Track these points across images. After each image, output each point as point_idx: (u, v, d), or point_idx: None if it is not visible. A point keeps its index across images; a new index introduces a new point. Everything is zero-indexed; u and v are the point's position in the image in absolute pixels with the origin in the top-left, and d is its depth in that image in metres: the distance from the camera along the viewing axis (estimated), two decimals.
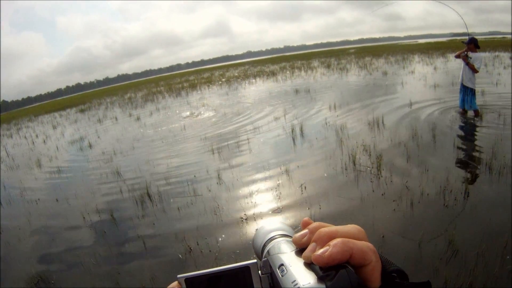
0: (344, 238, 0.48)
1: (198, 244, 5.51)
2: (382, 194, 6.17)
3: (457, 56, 10.04)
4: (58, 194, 9.28)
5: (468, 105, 10.23)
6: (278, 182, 7.45)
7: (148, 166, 10.34)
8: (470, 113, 10.41)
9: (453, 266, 4.04)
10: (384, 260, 0.51)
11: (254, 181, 7.79)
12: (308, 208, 6.06)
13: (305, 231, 0.54)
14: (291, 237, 0.61)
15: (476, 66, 9.59)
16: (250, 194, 7.11)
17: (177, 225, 6.33)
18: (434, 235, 4.71)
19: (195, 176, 8.68)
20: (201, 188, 7.82)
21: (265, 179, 7.82)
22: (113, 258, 5.67)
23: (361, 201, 6.07)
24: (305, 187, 6.98)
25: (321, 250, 0.47)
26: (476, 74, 9.82)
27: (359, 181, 6.92)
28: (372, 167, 7.37)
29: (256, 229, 0.73)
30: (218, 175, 8.32)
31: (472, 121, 9.94)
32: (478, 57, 9.62)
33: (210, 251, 5.30)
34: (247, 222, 5.97)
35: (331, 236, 0.49)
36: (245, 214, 6.24)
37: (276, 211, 6.24)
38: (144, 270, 5.10)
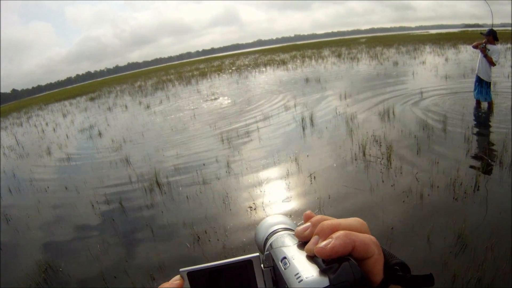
0: (346, 230, 0.48)
1: (206, 233, 5.54)
2: (392, 185, 6.16)
3: (475, 47, 9.86)
4: (67, 182, 9.35)
5: (483, 97, 10.14)
6: (287, 172, 7.45)
7: (158, 154, 10.39)
8: (484, 105, 10.33)
9: (462, 260, 4.02)
10: (386, 253, 0.51)
11: (263, 170, 7.80)
12: (317, 198, 6.05)
13: (307, 224, 0.54)
14: (294, 230, 0.61)
15: (494, 59, 9.45)
16: (259, 183, 7.12)
17: (186, 214, 6.35)
18: (443, 228, 4.70)
19: (204, 164, 8.70)
20: (210, 177, 7.83)
21: (274, 168, 7.83)
22: (122, 246, 5.72)
23: (370, 192, 6.05)
24: (314, 177, 6.97)
25: (324, 243, 0.47)
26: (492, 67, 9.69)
27: (368, 171, 6.90)
28: (382, 158, 7.35)
29: (259, 223, 0.72)
30: (228, 163, 8.34)
31: (484, 113, 9.88)
32: (496, 50, 9.48)
33: (218, 240, 5.31)
34: (255, 211, 5.98)
35: (333, 229, 0.49)
36: (254, 203, 6.26)
37: (285, 200, 6.24)
38: (152, 259, 5.13)
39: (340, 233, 0.47)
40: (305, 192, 6.45)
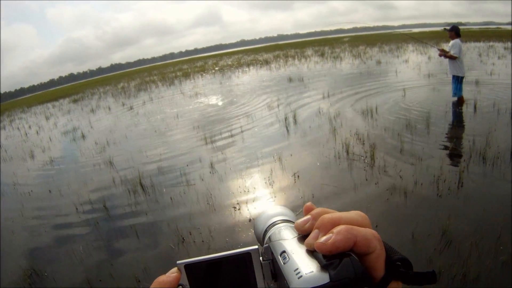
0: (347, 225, 0.48)
1: (190, 234, 5.51)
2: (376, 183, 6.18)
3: (445, 56, 10.05)
4: (51, 185, 9.26)
5: (453, 92, 10.34)
6: (271, 171, 7.43)
7: (141, 156, 10.32)
8: (467, 102, 10.42)
9: (447, 257, 4.05)
10: (388, 248, 0.50)
11: (247, 170, 7.79)
12: (301, 197, 6.06)
13: (308, 217, 0.53)
14: (293, 222, 0.60)
15: (452, 52, 9.74)
16: (243, 183, 7.11)
17: (170, 215, 6.33)
18: (427, 225, 4.72)
19: (187, 165, 8.67)
20: (194, 178, 7.81)
21: (258, 168, 7.83)
22: (106, 249, 5.67)
23: (354, 190, 6.08)
24: (298, 176, 6.98)
25: (324, 238, 0.46)
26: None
27: (352, 170, 6.93)
28: (366, 156, 7.37)
29: (258, 214, 0.71)
30: (211, 164, 8.32)
31: (461, 109, 9.98)
32: (455, 44, 9.77)
33: (202, 241, 5.29)
34: (240, 212, 5.97)
35: (334, 223, 0.49)
36: (238, 204, 6.25)
37: (269, 200, 6.24)
38: (137, 261, 5.09)
39: (341, 227, 0.46)
40: (289, 192, 6.46)
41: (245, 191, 6.76)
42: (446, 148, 7.44)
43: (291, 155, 8.24)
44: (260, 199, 6.37)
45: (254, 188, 6.89)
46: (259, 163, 8.09)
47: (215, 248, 5.02)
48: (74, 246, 5.85)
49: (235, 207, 6.15)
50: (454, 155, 7.08)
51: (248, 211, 5.95)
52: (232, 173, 7.79)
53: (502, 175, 5.85)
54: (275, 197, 6.34)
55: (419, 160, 6.84)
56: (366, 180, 6.38)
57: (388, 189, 5.89)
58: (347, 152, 7.71)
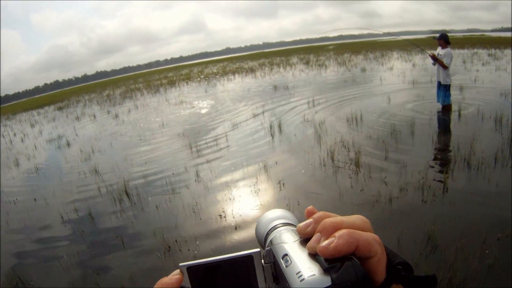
0: (349, 229, 0.48)
1: (176, 242, 5.49)
2: (361, 190, 6.20)
3: (436, 61, 10.12)
4: (36, 193, 9.17)
5: (442, 100, 10.42)
6: (256, 179, 7.44)
7: (126, 164, 10.26)
8: (453, 108, 10.52)
9: (433, 261, 4.07)
10: (389, 252, 0.51)
11: (232, 178, 7.78)
12: (287, 205, 6.05)
13: (310, 220, 0.54)
14: (295, 225, 0.62)
15: (445, 62, 9.77)
16: (229, 192, 7.10)
17: (156, 224, 6.28)
18: (413, 231, 4.74)
19: (173, 173, 8.63)
20: (179, 186, 7.78)
21: (243, 176, 7.82)
22: (92, 258, 5.62)
23: (339, 197, 6.09)
24: (283, 184, 6.98)
25: (326, 242, 0.46)
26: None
27: (337, 177, 6.95)
28: (351, 163, 7.40)
29: (260, 217, 0.71)
30: (196, 172, 8.30)
31: (449, 117, 10.05)
32: (447, 53, 9.82)
33: (188, 249, 5.27)
34: (225, 220, 5.95)
35: (336, 227, 0.49)
36: (223, 212, 6.23)
37: (255, 208, 6.24)
38: (123, 270, 5.06)
39: (343, 232, 0.47)
40: (274, 199, 6.47)
41: (230, 199, 6.75)
42: (431, 154, 7.50)
43: (276, 163, 8.24)
44: (246, 207, 6.37)
45: (239, 196, 6.88)
46: (244, 171, 8.08)
47: (200, 257, 4.99)
48: (59, 255, 5.79)
49: (220, 215, 6.13)
50: (439, 161, 7.15)
51: (234, 218, 5.94)
52: (217, 181, 7.78)
53: (486, 180, 5.91)
54: (260, 204, 6.34)
55: (404, 166, 6.87)
56: (352, 187, 6.41)
57: (373, 195, 5.91)
58: (332, 159, 7.73)
